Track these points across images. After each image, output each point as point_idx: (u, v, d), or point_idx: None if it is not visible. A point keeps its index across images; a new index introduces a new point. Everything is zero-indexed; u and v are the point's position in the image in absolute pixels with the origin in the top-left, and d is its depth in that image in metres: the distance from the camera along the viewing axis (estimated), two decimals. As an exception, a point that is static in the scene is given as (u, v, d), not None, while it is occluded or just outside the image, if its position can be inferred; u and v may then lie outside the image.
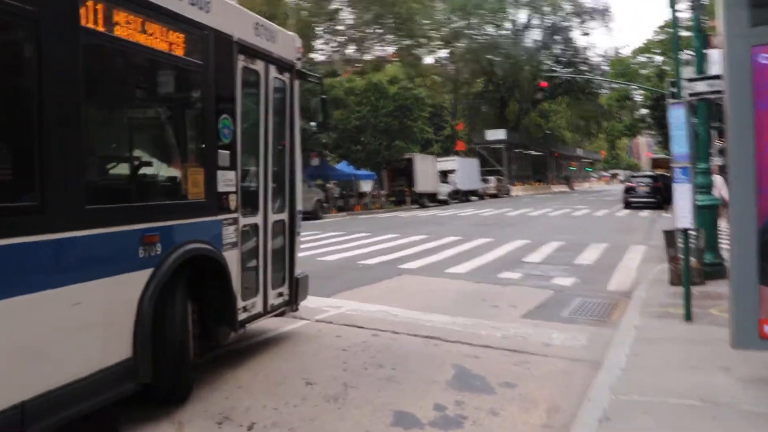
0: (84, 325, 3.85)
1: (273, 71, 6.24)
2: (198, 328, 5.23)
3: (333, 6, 49.73)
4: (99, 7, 3.96)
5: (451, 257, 13.43)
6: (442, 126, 52.16)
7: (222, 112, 5.32)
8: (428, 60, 63.12)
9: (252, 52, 5.83)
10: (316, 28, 50.30)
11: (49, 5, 3.58)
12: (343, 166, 39.54)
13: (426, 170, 38.92)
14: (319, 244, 16.16)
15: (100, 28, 3.99)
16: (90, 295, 3.86)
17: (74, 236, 3.74)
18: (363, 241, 16.99)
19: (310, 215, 28.45)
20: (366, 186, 43.29)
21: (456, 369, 5.58)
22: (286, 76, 6.50)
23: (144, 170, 4.92)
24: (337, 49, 55.87)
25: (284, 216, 6.51)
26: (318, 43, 54.35)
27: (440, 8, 57.03)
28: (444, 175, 42.67)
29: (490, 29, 59.87)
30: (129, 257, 4.23)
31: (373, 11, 47.97)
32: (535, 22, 63.21)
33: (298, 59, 6.77)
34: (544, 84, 42.61)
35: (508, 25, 61.14)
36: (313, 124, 7.71)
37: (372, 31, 52.05)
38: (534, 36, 63.05)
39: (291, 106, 6.62)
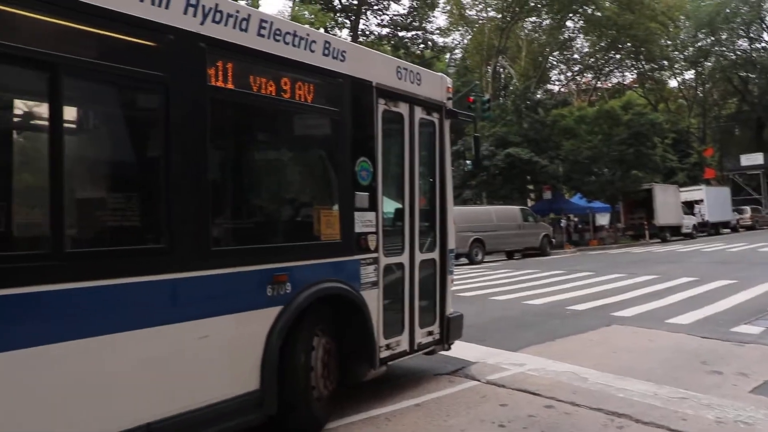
0: (211, 357, 4.08)
1: (419, 112, 6.21)
2: (337, 364, 5.32)
3: (566, 35, 48.28)
4: (229, 66, 4.25)
5: (676, 303, 11.43)
6: (688, 153, 47.25)
7: (360, 155, 5.40)
8: (672, 83, 58.38)
9: (394, 95, 5.86)
10: (550, 59, 49.21)
11: (176, 70, 3.91)
12: (576, 199, 37.47)
13: (667, 201, 35.33)
14: (532, 285, 14.99)
15: (229, 86, 4.29)
16: (217, 329, 4.10)
17: (198, 275, 3.99)
18: (582, 282, 15.42)
19: (537, 252, 27.14)
20: (602, 219, 40.62)
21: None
22: (434, 116, 6.46)
23: (272, 213, 5.30)
24: (572, 78, 54.13)
25: (434, 255, 6.42)
26: (553, 74, 53.27)
27: (683, 27, 52.46)
28: (689, 205, 38.43)
29: (743, 43, 53.47)
30: (256, 295, 4.42)
31: (609, 36, 45.53)
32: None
33: (449, 98, 6.61)
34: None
35: (766, 36, 54.13)
36: (468, 162, 7.33)
37: (609, 57, 49.49)
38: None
39: (441, 145, 6.54)
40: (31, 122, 3.91)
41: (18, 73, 3.52)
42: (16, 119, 3.90)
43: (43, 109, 3.42)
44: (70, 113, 3.72)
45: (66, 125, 3.49)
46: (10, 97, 3.82)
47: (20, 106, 3.93)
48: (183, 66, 3.95)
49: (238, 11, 4.35)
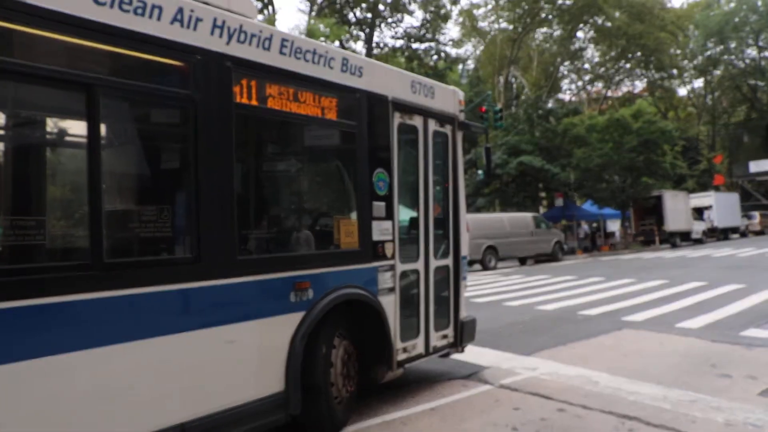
0: (238, 360, 4.20)
1: (432, 124, 6.31)
2: (356, 367, 5.42)
3: (577, 45, 48.11)
4: (253, 83, 4.39)
5: (686, 308, 11.37)
6: (697, 160, 46.94)
7: (377, 167, 5.52)
8: (681, 92, 58.00)
9: (409, 109, 5.96)
10: (561, 68, 49.07)
11: (204, 89, 4.04)
12: (587, 206, 37.34)
13: (677, 207, 35.07)
14: (544, 290, 14.98)
15: (253, 102, 4.43)
16: (243, 334, 4.23)
17: (225, 283, 4.11)
18: (593, 287, 15.36)
19: (548, 258, 27.07)
20: (613, 225, 40.42)
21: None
22: (447, 128, 6.53)
23: (294, 223, 5.46)
24: (583, 87, 53.89)
25: (448, 261, 6.53)
26: (564, 83, 53.07)
27: (692, 36, 52.14)
28: (699, 211, 38.15)
29: (751, 52, 53.02)
30: (280, 302, 4.54)
31: (619, 46, 45.34)
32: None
33: (461, 111, 6.70)
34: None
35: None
36: (480, 172, 7.42)
37: (619, 66, 49.25)
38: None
39: (454, 156, 6.65)
40: (70, 139, 4.06)
41: (58, 94, 3.70)
42: (55, 137, 4.06)
43: (80, 127, 3.55)
44: (105, 131, 3.86)
45: (102, 142, 3.63)
46: (51, 116, 4.00)
47: (60, 124, 4.10)
48: (210, 84, 4.08)
49: (261, 31, 4.47)
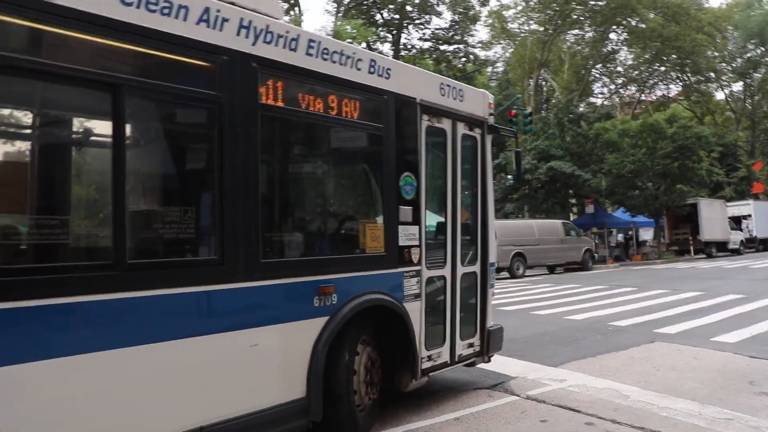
0: (260, 364, 4.21)
1: (461, 128, 6.30)
2: (379, 374, 5.40)
3: (609, 47, 47.69)
4: (279, 84, 4.41)
5: (722, 321, 11.14)
6: (735, 167, 46.10)
7: (404, 170, 5.51)
8: (719, 95, 57.08)
9: (437, 112, 5.96)
10: (593, 71, 48.65)
11: (229, 89, 4.07)
12: (619, 213, 36.94)
13: (713, 216, 34.51)
14: (573, 300, 14.82)
15: (279, 103, 4.44)
16: (266, 338, 4.23)
17: (249, 286, 4.13)
18: (624, 298, 15.17)
19: (578, 266, 26.81)
20: (646, 234, 39.89)
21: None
22: (476, 132, 6.51)
23: (319, 227, 5.43)
24: (616, 90, 53.39)
25: (476, 268, 6.50)
26: (596, 86, 52.61)
27: (731, 38, 51.29)
28: (737, 221, 37.46)
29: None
30: (303, 306, 4.54)
31: (654, 48, 44.80)
32: None
33: (491, 114, 6.67)
34: None
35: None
36: (509, 177, 7.39)
37: (653, 69, 48.67)
38: None
39: (483, 160, 6.64)
40: (96, 139, 4.11)
41: (85, 94, 3.74)
42: (81, 137, 4.11)
43: (106, 127, 3.59)
44: (131, 131, 3.90)
45: (127, 142, 3.68)
46: (78, 115, 4.05)
47: (86, 124, 4.15)
48: (236, 85, 4.11)
49: (288, 32, 4.50)
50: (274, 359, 4.32)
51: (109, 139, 3.52)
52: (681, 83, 52.59)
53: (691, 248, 34.07)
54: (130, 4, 3.53)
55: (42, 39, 3.37)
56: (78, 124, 4.11)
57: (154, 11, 3.64)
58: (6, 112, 3.84)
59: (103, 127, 3.81)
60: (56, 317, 3.18)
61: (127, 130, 3.68)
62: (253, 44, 4.22)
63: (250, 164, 4.18)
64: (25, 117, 4.03)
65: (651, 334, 9.96)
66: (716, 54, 50.46)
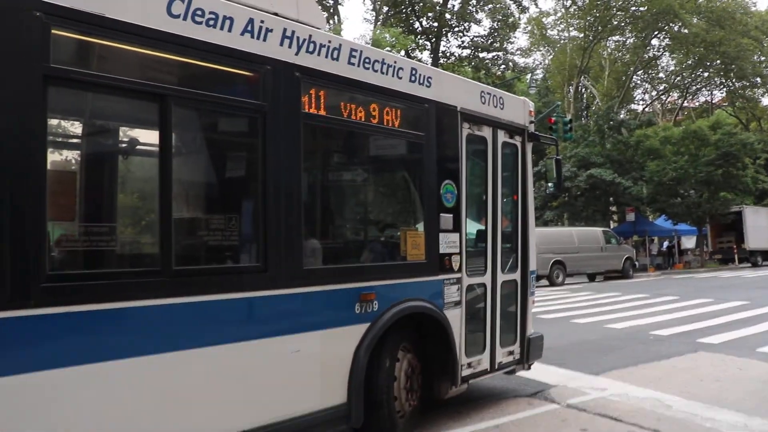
0: (301, 370, 4.24)
1: (502, 135, 6.28)
2: (419, 381, 5.37)
3: (651, 53, 46.81)
4: (321, 93, 4.45)
5: (769, 332, 10.82)
6: (782, 174, 44.84)
7: (445, 178, 5.50)
8: (765, 101, 55.56)
9: (478, 120, 5.94)
10: (634, 78, 47.83)
11: (273, 99, 4.11)
12: (661, 221, 36.23)
13: (759, 224, 33.57)
14: (614, 308, 14.56)
15: (322, 112, 4.47)
16: (308, 344, 4.26)
17: (291, 293, 4.17)
18: (666, 307, 14.83)
19: (618, 275, 26.38)
20: (688, 242, 39.00)
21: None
22: (517, 140, 6.47)
23: (360, 234, 5.54)
24: (657, 97, 52.40)
25: (516, 276, 6.46)
26: (637, 93, 51.72)
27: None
28: (783, 229, 36.35)
29: None
30: (345, 313, 4.56)
31: (697, 54, 43.79)
32: None
33: (531, 122, 6.63)
34: None
35: None
36: (550, 184, 7.31)
37: (696, 75, 47.59)
38: None
39: (523, 168, 6.61)
40: (142, 148, 4.22)
41: (133, 104, 3.85)
42: (128, 146, 4.24)
43: (153, 136, 3.68)
44: (177, 140, 3.98)
45: (173, 151, 3.76)
46: (125, 125, 4.16)
47: (133, 133, 4.27)
48: (279, 94, 4.15)
49: (330, 41, 4.54)
50: (315, 365, 4.33)
51: (156, 148, 3.60)
52: (725, 89, 51.28)
53: (736, 257, 33.22)
54: (177, 16, 3.60)
55: (92, 51, 3.47)
56: (126, 133, 4.24)
57: (200, 23, 3.71)
58: (59, 122, 3.97)
59: (150, 137, 3.91)
60: (105, 322, 3.25)
61: (174, 140, 3.76)
62: (296, 54, 4.27)
63: (293, 172, 4.23)
64: (76, 127, 4.16)
65: (694, 344, 9.72)
66: (763, 58, 49.06)
